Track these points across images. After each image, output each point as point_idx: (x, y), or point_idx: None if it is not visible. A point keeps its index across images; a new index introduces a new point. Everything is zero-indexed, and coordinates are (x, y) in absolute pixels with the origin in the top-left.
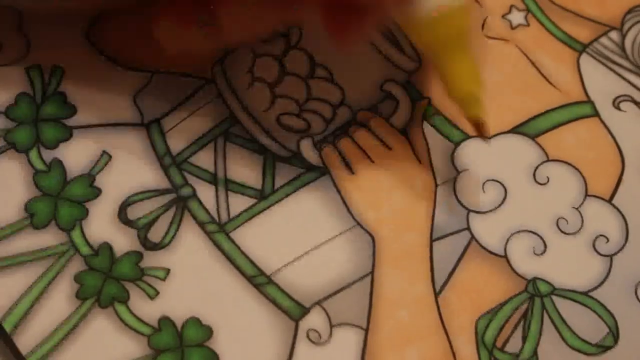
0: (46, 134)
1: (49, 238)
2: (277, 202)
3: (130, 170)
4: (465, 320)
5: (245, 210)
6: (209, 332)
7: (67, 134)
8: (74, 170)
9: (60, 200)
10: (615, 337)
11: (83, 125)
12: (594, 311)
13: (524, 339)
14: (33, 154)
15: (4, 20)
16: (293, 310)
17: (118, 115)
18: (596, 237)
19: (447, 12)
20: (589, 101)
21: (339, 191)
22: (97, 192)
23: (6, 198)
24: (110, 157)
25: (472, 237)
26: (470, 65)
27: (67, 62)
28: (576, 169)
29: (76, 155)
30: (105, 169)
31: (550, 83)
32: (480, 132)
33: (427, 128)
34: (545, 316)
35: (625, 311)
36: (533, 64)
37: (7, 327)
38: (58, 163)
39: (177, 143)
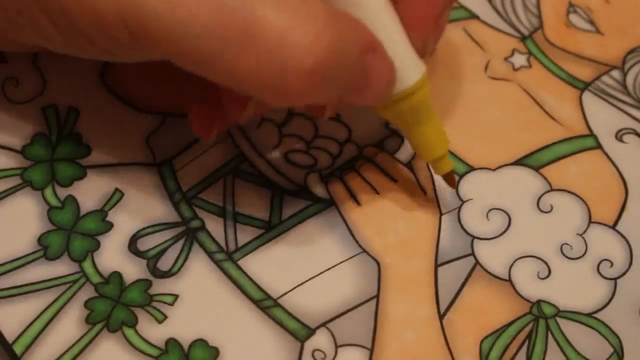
0: (61, 172)
1: (61, 268)
2: (284, 232)
3: (142, 206)
4: (470, 341)
5: (253, 240)
6: (215, 352)
7: (82, 173)
8: (87, 206)
9: (73, 233)
10: (620, 356)
11: (97, 164)
12: (599, 332)
13: (528, 359)
14: (48, 192)
15: (19, 54)
16: (299, 332)
17: (131, 155)
18: (600, 262)
19: (408, 92)
20: (592, 135)
21: (345, 221)
22: (109, 226)
23: (21, 231)
24: (122, 194)
25: (477, 262)
26: (435, 129)
27: (82, 103)
28: (580, 197)
29: (90, 192)
30: (117, 205)
31: (553, 118)
32: (450, 183)
33: None
34: (550, 337)
35: (629, 331)
36: (536, 101)
37: (18, 349)
38: (72, 200)
39: (187, 180)
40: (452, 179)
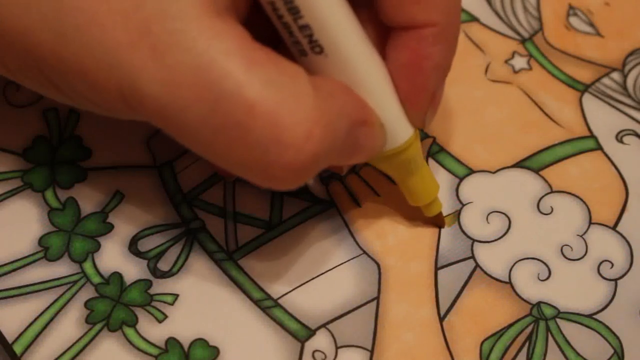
0: (62, 175)
1: (61, 269)
2: (284, 232)
3: (142, 207)
4: (470, 343)
5: (253, 240)
6: (215, 352)
7: (82, 175)
8: (88, 208)
9: (73, 235)
10: (621, 357)
11: (98, 167)
12: (599, 333)
13: None
14: (49, 194)
15: None
16: (299, 332)
17: (132, 158)
18: (601, 262)
19: (397, 150)
20: (592, 136)
21: (345, 222)
22: (109, 228)
23: (21, 233)
24: (123, 196)
25: (477, 265)
26: (424, 179)
27: None
28: (580, 199)
29: (90, 194)
30: (118, 206)
31: (553, 120)
32: (439, 224)
33: (432, 164)
34: (550, 338)
35: (630, 332)
36: (536, 103)
37: (18, 349)
38: (72, 202)
39: (188, 182)
40: (441, 220)
